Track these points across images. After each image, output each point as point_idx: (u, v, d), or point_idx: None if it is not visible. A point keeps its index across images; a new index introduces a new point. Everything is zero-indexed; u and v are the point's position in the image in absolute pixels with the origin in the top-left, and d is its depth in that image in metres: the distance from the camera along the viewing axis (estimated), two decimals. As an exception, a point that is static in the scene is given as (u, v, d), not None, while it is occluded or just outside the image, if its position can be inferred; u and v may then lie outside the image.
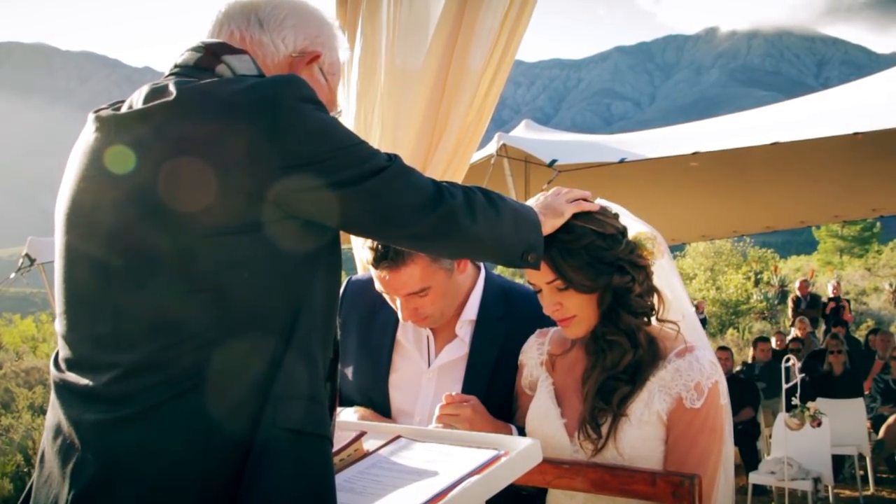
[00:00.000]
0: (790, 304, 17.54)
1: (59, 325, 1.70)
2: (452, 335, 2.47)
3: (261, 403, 1.54)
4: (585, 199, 2.12)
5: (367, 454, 1.98)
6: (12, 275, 9.60)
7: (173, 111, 1.58)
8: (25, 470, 9.39)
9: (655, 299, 2.17)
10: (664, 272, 2.23)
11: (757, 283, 29.49)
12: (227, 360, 1.54)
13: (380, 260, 2.28)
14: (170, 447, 1.50)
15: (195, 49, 1.76)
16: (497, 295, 2.51)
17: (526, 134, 9.49)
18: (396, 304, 2.38)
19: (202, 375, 1.52)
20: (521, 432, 2.24)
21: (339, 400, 1.89)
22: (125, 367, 1.54)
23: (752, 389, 9.79)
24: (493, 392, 2.35)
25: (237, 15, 1.81)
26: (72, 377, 1.62)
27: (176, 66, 1.75)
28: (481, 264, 2.56)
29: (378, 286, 2.36)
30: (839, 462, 8.51)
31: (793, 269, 34.00)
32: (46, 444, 1.66)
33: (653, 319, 2.17)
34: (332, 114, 1.83)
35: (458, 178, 3.15)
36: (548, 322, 2.29)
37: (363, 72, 3.23)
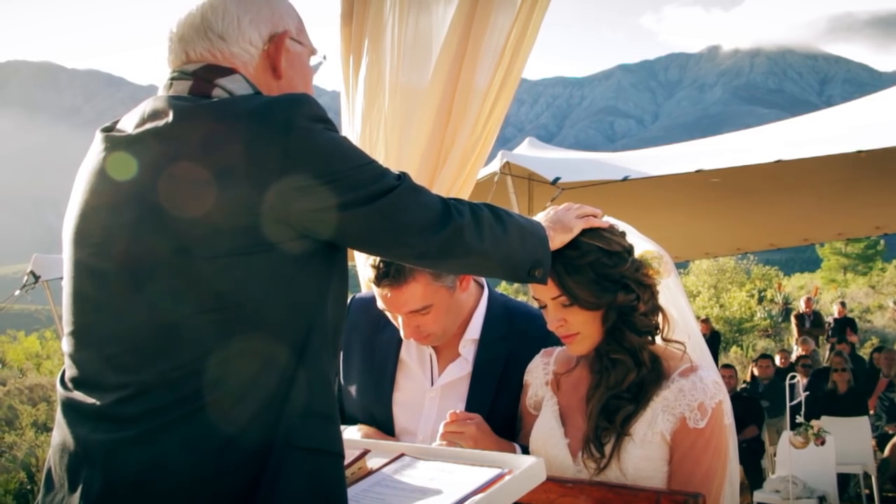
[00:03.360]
0: (794, 321, 17.48)
1: (66, 345, 1.69)
2: (456, 354, 2.46)
3: (273, 422, 1.54)
4: (595, 216, 2.12)
5: (370, 472, 1.97)
6: (17, 292, 9.62)
7: (183, 131, 1.58)
8: (29, 487, 9.36)
9: (660, 318, 2.16)
10: (670, 292, 2.23)
11: (760, 300, 29.39)
12: (239, 379, 1.54)
13: (381, 278, 2.28)
14: (180, 467, 1.50)
15: (180, 77, 1.73)
16: (500, 314, 2.50)
17: (529, 152, 9.49)
18: (399, 322, 2.37)
19: (213, 395, 1.52)
20: (525, 451, 2.23)
21: (341, 418, 1.89)
22: (134, 387, 1.54)
23: (756, 407, 9.74)
24: (497, 411, 2.35)
25: (194, 38, 1.76)
26: (79, 396, 1.62)
27: (170, 97, 1.70)
28: (484, 283, 2.55)
29: (380, 304, 2.36)
30: (844, 481, 8.46)
31: (796, 287, 33.89)
32: (53, 464, 1.65)
33: (658, 339, 2.16)
34: (315, 58, 1.84)
35: (464, 196, 3.15)
36: (552, 341, 2.28)
37: (368, 91, 3.23)
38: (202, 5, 1.77)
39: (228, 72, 1.73)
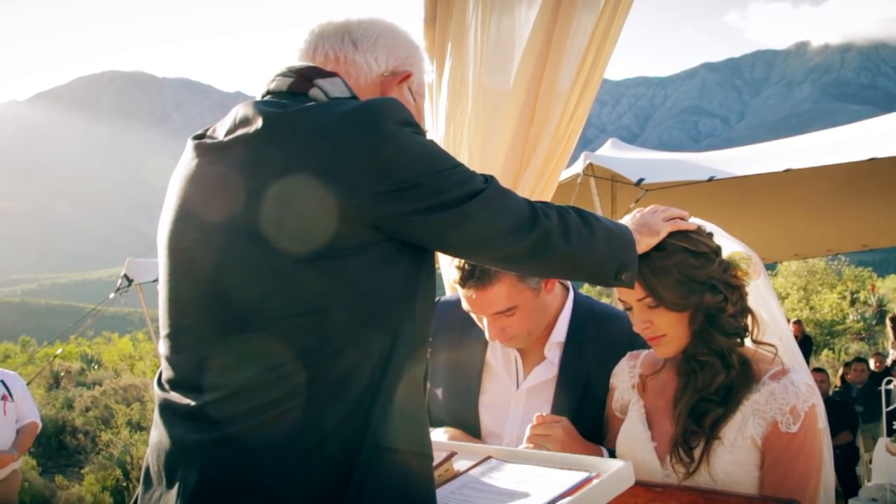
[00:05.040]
0: (889, 324, 16.90)
1: (163, 347, 1.74)
2: (541, 357, 2.46)
3: (363, 423, 1.56)
4: (682, 218, 2.10)
5: (457, 474, 1.98)
6: (111, 295, 9.90)
7: (273, 137, 1.61)
8: (124, 484, 9.65)
9: (750, 320, 2.12)
10: (760, 293, 2.18)
11: (853, 302, 28.54)
12: (329, 381, 1.55)
13: (466, 279, 2.28)
14: (271, 467, 1.52)
15: (285, 75, 1.78)
16: (586, 317, 2.49)
17: (612, 153, 9.38)
18: (484, 324, 2.38)
19: (304, 397, 1.54)
20: (612, 455, 2.21)
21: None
22: (228, 389, 1.57)
23: (850, 412, 9.46)
24: (582, 415, 2.33)
25: (331, 35, 1.85)
26: (175, 397, 1.66)
27: (268, 93, 1.78)
28: (569, 285, 2.54)
29: (465, 305, 2.37)
30: (945, 490, 8.15)
31: (891, 289, 32.77)
32: (151, 462, 1.70)
33: (748, 341, 2.12)
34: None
35: (547, 197, 3.14)
36: (638, 344, 2.26)
37: (452, 94, 3.25)
38: (353, 17, 1.89)
39: (330, 75, 1.77)
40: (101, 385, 16.92)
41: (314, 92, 1.73)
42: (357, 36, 1.84)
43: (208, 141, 1.73)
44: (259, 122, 1.63)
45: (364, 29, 1.85)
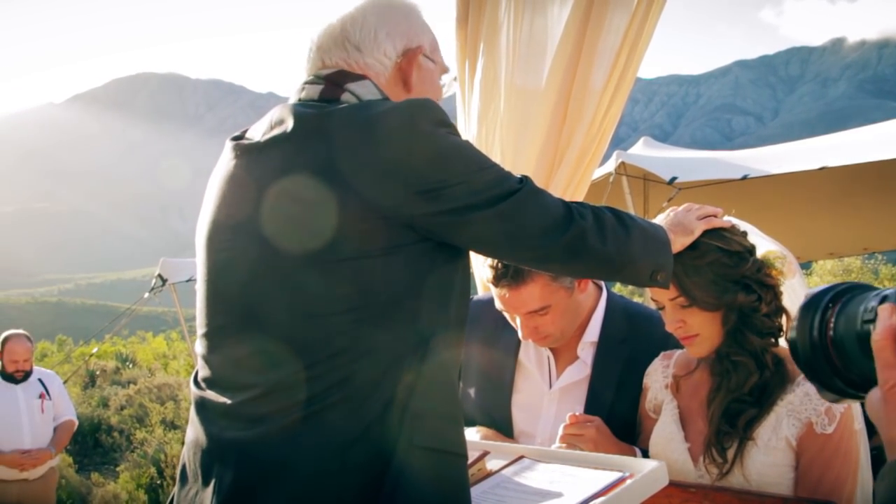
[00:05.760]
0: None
1: (199, 346, 1.76)
2: (574, 357, 2.45)
3: (398, 422, 1.57)
4: (715, 216, 2.08)
5: (490, 474, 1.98)
6: (146, 294, 10.01)
7: (309, 138, 1.63)
8: (158, 482, 9.74)
9: (784, 320, 2.10)
10: (795, 293, 2.16)
11: (890, 302, 28.11)
12: (363, 379, 1.56)
13: (500, 278, 2.29)
14: (306, 465, 1.54)
15: (313, 82, 1.79)
16: (619, 316, 2.48)
17: (645, 151, 9.33)
18: (517, 323, 2.38)
19: (338, 395, 1.55)
20: (645, 455, 2.21)
21: None
22: (263, 387, 1.59)
23: (887, 413, 9.33)
24: (615, 415, 2.33)
25: (332, 48, 1.83)
26: (211, 395, 1.68)
27: (300, 101, 1.78)
28: (603, 284, 2.53)
29: (498, 304, 2.37)
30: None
31: (930, 288, 32.25)
32: (188, 459, 1.72)
33: (782, 341, 2.10)
34: (446, 76, 1.87)
35: (579, 197, 3.14)
36: (672, 344, 2.25)
37: (484, 94, 3.25)
38: (343, 17, 1.84)
39: (359, 78, 1.77)
40: (135, 384, 17.07)
41: (346, 97, 1.74)
42: (357, 40, 1.82)
43: (246, 142, 1.75)
44: (294, 124, 1.65)
45: (360, 28, 1.83)
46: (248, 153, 1.73)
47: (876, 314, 0.94)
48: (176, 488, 1.74)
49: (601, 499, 1.67)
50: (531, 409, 2.47)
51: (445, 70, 1.96)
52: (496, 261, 2.26)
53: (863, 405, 0.98)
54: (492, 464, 2.02)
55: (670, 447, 2.14)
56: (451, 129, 1.67)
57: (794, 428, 1.99)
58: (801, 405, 1.99)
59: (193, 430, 1.72)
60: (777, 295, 2.10)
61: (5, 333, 6.40)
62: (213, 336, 1.73)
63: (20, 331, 6.48)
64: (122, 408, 14.96)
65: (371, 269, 1.57)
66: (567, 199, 2.01)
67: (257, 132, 1.76)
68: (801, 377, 2.02)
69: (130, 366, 21.93)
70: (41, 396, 6.32)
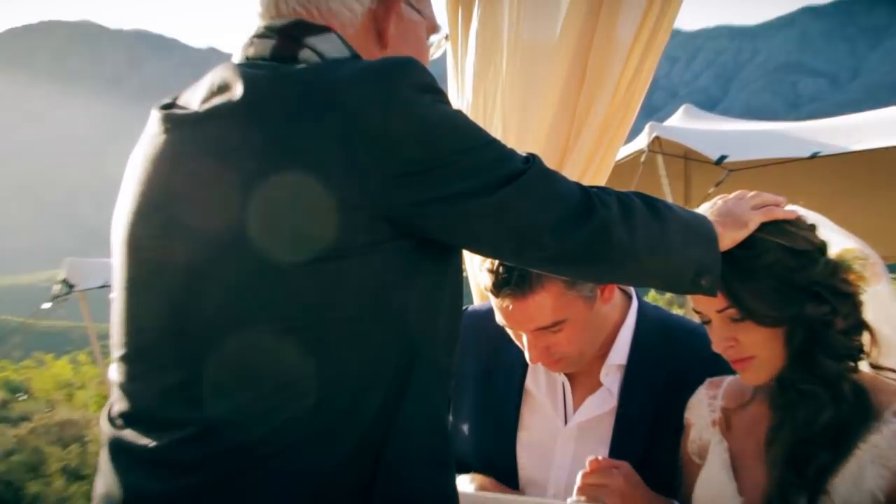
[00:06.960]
0: None
1: (116, 373, 1.75)
2: (596, 384, 2.46)
3: (370, 469, 1.56)
4: (776, 206, 2.08)
5: (489, 536, 1.98)
6: (46, 304, 9.93)
7: (261, 108, 1.62)
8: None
9: (866, 338, 2.11)
10: (881, 303, 2.16)
11: None
12: (330, 414, 1.56)
13: (501, 286, 2.28)
14: None
15: (263, 35, 1.77)
16: (654, 332, 2.49)
17: (686, 123, 9.38)
18: (523, 342, 2.38)
19: (296, 435, 1.54)
20: (687, 510, 2.22)
21: None
22: (200, 424, 1.57)
23: None
24: (650, 458, 2.33)
25: None
26: (130, 436, 1.66)
27: (247, 59, 1.77)
28: (632, 292, 2.54)
29: (499, 319, 2.37)
30: None
31: None
32: None
33: (864, 365, 2.11)
34: (434, 36, 1.87)
35: (601, 180, 3.15)
36: (721, 369, 2.25)
37: (481, 51, 3.26)
38: None
39: (322, 30, 1.76)
40: (29, 420, 17.02)
41: (305, 54, 1.73)
42: None
43: (179, 111, 1.75)
44: (242, 90, 1.63)
45: None
46: (182, 126, 1.72)
47: None
48: None
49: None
50: (542, 450, 2.47)
51: (435, 27, 1.96)
52: (496, 263, 2.26)
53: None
54: (491, 523, 2.03)
55: (720, 501, 2.15)
56: (439, 95, 1.66)
57: (881, 479, 1.98)
58: (889, 448, 1.99)
59: (104, 482, 1.69)
60: (857, 306, 2.11)
61: None
62: (136, 359, 1.71)
63: None
64: (11, 453, 14.90)
65: (340, 274, 1.56)
66: (586, 183, 2.01)
67: (194, 99, 1.74)
68: (889, 412, 2.02)
69: (23, 397, 21.85)
70: None
